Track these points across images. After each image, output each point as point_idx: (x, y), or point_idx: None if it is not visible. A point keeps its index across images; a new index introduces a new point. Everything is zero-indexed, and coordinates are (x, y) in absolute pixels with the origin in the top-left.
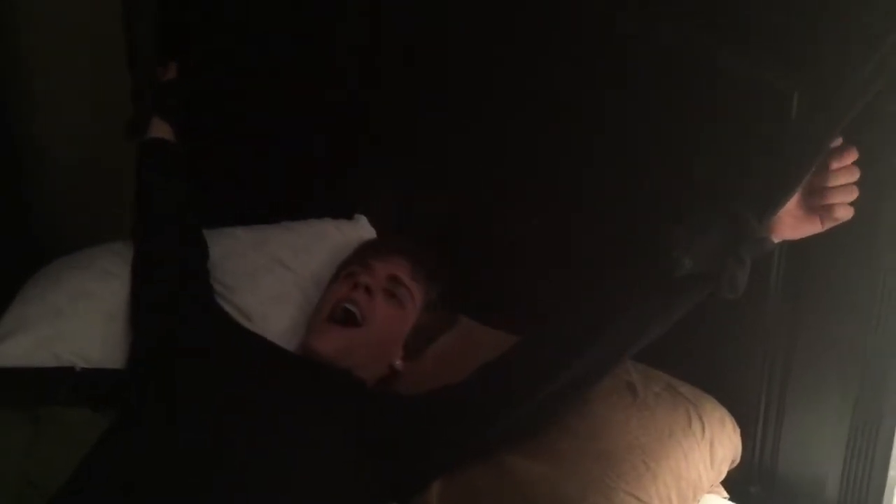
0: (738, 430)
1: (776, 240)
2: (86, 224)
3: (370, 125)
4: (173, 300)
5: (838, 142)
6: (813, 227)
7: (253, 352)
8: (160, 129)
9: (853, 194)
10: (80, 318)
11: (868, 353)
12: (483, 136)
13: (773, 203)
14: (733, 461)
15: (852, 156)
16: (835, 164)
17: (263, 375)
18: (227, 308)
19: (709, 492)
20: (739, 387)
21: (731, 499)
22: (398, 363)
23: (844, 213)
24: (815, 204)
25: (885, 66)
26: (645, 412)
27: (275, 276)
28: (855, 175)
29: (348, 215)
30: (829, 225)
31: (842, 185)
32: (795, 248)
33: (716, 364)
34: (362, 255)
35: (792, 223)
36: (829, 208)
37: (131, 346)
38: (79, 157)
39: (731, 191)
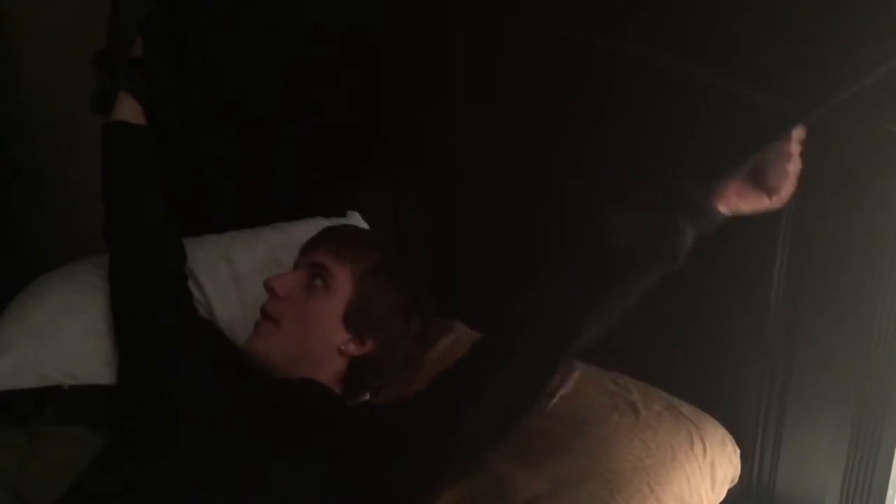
0: (737, 451)
1: (723, 209)
2: (75, 236)
3: (365, 125)
4: (150, 312)
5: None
6: (759, 201)
7: (234, 366)
8: (127, 109)
9: (796, 164)
10: (65, 335)
11: (866, 371)
12: (479, 136)
13: (719, 173)
14: (732, 481)
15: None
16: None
17: (244, 392)
18: (209, 315)
19: None
20: (738, 405)
21: None
22: (351, 347)
23: (787, 184)
24: (758, 176)
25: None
26: (648, 433)
27: (260, 280)
28: (794, 149)
29: (342, 213)
30: (776, 203)
31: (783, 157)
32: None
33: (714, 382)
34: (300, 252)
35: (736, 196)
36: (771, 179)
37: (118, 361)
38: (65, 169)
39: (672, 161)
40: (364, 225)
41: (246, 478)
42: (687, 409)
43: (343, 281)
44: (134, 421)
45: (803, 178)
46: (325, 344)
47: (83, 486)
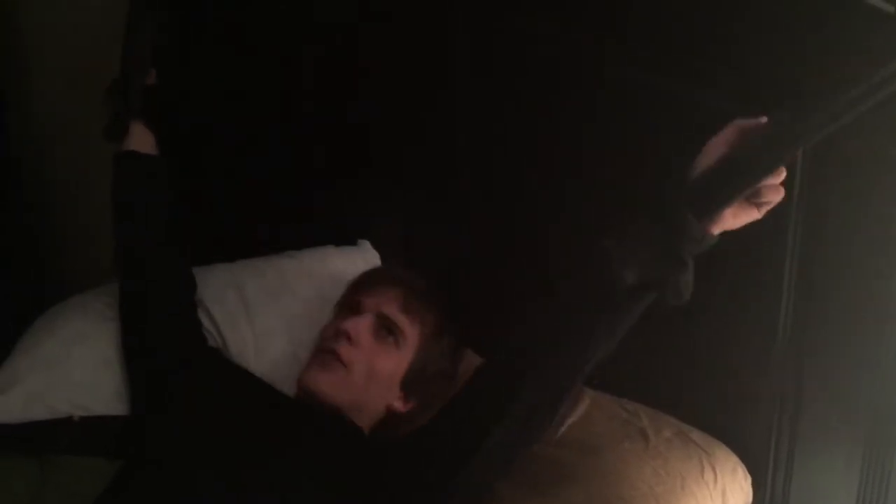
0: (748, 478)
1: (716, 231)
2: (94, 259)
3: (375, 152)
4: (161, 342)
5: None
6: (749, 215)
7: (246, 395)
8: (140, 138)
9: (779, 175)
10: (76, 366)
11: (877, 396)
12: (488, 166)
13: (716, 204)
14: None
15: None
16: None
17: (257, 420)
18: (220, 343)
19: None
20: (748, 431)
21: None
22: (397, 404)
23: (774, 196)
24: (756, 197)
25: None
26: (658, 460)
27: (272, 307)
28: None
29: (352, 242)
30: (765, 209)
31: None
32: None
33: (724, 408)
34: (354, 290)
35: (733, 214)
36: (757, 192)
37: (130, 392)
38: (85, 192)
39: (668, 193)
40: (375, 254)
41: None
42: (697, 435)
43: (413, 341)
44: (147, 450)
45: (812, 204)
46: (380, 399)
47: None
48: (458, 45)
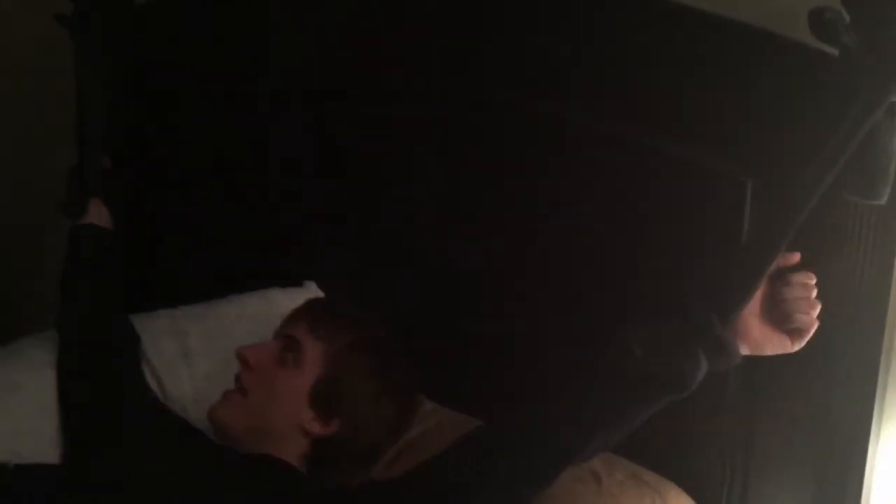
0: None
1: (744, 351)
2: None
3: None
4: (100, 396)
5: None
6: (783, 344)
7: (186, 447)
8: (96, 213)
9: (815, 307)
10: (9, 414)
11: (828, 438)
12: (439, 214)
13: (735, 299)
14: None
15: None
16: (783, 263)
17: (194, 472)
18: (160, 393)
19: None
20: (701, 473)
21: None
22: (311, 426)
23: (807, 323)
24: (778, 317)
25: (843, 150)
26: (609, 501)
27: (211, 352)
28: (811, 289)
29: (298, 283)
30: (797, 343)
31: (800, 297)
32: None
33: (677, 450)
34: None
35: (759, 335)
36: (789, 318)
37: (65, 442)
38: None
39: (689, 288)
40: (319, 294)
41: None
42: (649, 476)
43: (314, 357)
44: (78, 500)
45: None
46: (288, 420)
47: None
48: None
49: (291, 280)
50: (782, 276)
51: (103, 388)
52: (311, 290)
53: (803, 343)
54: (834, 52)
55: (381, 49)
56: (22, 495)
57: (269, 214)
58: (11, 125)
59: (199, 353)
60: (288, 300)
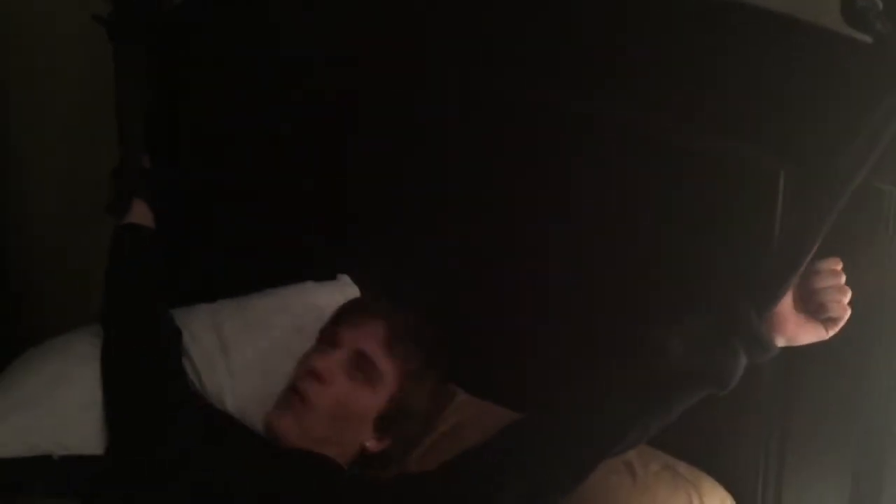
0: None
1: (780, 343)
2: (71, 306)
3: (354, 198)
4: (142, 396)
5: None
6: (817, 333)
7: (227, 437)
8: (140, 213)
9: (845, 293)
10: (59, 405)
11: (865, 428)
12: (469, 209)
13: (771, 294)
14: None
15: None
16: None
17: (237, 462)
18: (199, 385)
19: None
20: (736, 464)
21: None
22: (370, 444)
23: (840, 311)
24: (811, 307)
25: (877, 139)
26: (646, 494)
27: (247, 343)
28: (839, 276)
29: (332, 276)
30: (832, 329)
31: (830, 286)
32: None
33: (712, 442)
34: (334, 321)
35: (794, 327)
36: (823, 308)
37: (109, 434)
38: (63, 237)
39: (726, 283)
40: (354, 288)
41: None
42: (684, 468)
43: (391, 380)
44: (123, 492)
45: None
46: (350, 436)
47: None
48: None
49: (326, 273)
50: (811, 264)
51: (147, 381)
52: (345, 283)
53: (837, 329)
54: (866, 39)
55: (406, 44)
56: (66, 486)
57: (302, 210)
58: (57, 126)
59: (236, 345)
60: (321, 292)
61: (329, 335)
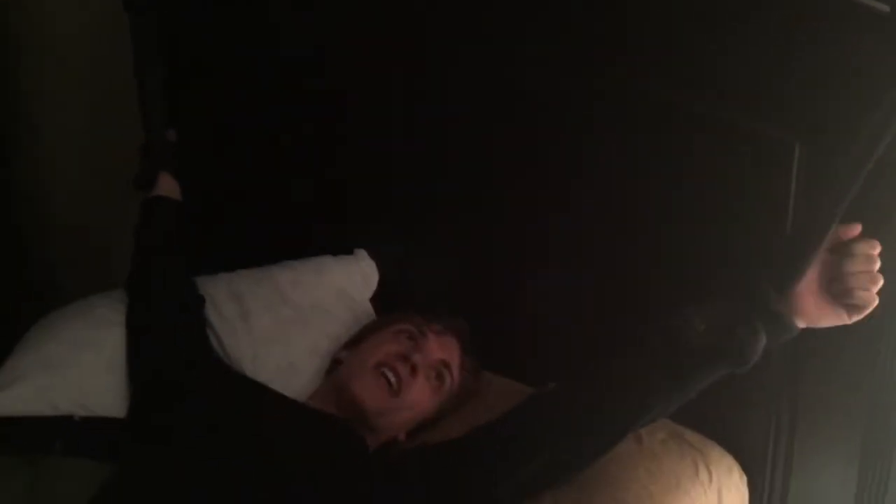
0: (745, 478)
1: (801, 324)
2: (86, 279)
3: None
4: (167, 353)
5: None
6: (839, 317)
7: (251, 400)
8: (166, 186)
9: (876, 282)
10: (80, 368)
11: (874, 396)
12: (469, 209)
13: (790, 273)
14: None
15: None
16: (846, 235)
17: (259, 425)
18: (220, 351)
19: None
20: (745, 433)
21: None
22: (402, 437)
23: (866, 299)
24: (837, 291)
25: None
26: (652, 461)
27: (268, 316)
28: (874, 262)
29: (349, 250)
30: (855, 316)
31: (862, 271)
32: None
33: (719, 410)
34: (423, 321)
35: (815, 309)
36: (849, 293)
37: (131, 397)
38: (79, 213)
39: (745, 262)
40: (371, 262)
41: None
42: (691, 436)
43: (452, 389)
44: (143, 453)
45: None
46: (398, 428)
47: None
48: (454, 70)
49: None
50: (845, 246)
51: (171, 346)
52: (362, 258)
53: (860, 317)
54: (885, 8)
55: (406, 44)
56: (86, 447)
57: (301, 210)
58: (78, 106)
59: (256, 315)
60: (339, 267)
61: (415, 330)
